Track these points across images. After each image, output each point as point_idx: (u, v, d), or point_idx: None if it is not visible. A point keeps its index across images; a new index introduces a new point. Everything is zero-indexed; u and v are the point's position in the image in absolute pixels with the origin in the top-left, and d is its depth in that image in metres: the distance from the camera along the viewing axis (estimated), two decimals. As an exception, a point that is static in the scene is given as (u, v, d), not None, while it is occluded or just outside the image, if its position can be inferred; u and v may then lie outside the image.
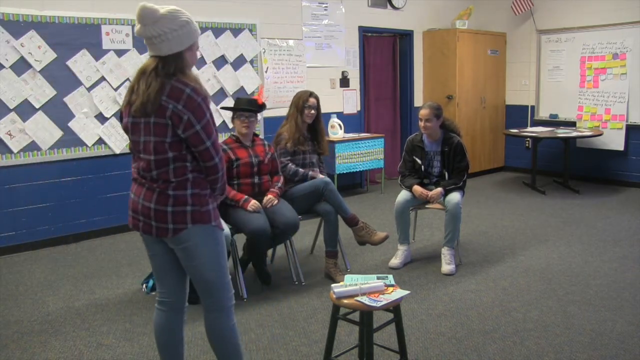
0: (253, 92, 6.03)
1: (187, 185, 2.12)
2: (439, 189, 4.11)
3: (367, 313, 2.40)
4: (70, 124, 4.92)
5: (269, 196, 3.72)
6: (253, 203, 3.60)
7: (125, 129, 2.19)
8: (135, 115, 2.10)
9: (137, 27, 2.08)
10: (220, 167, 2.16)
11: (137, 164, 2.18)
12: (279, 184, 3.85)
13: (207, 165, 2.14)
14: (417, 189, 4.12)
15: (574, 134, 6.72)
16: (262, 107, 3.75)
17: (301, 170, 4.01)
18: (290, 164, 4.00)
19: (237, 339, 2.30)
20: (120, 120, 2.24)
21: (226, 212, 3.64)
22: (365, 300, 2.38)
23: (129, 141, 2.22)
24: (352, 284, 2.50)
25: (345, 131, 6.73)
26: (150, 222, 2.14)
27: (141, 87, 2.07)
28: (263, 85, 6.11)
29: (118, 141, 5.19)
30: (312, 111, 4.05)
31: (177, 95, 2.03)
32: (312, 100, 4.05)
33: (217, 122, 5.82)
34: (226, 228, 3.47)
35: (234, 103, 3.85)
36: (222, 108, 4.83)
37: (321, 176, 4.07)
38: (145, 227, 2.17)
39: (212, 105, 5.82)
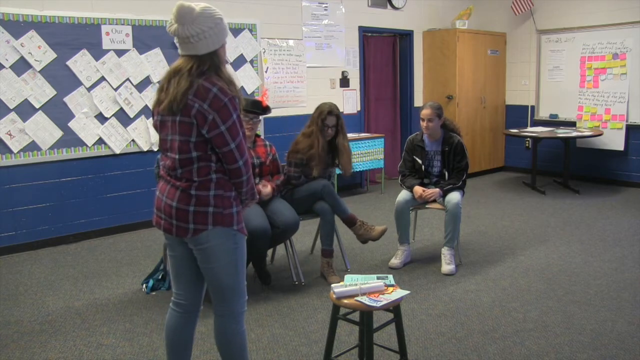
0: (253, 92, 6.03)
1: (210, 186, 2.09)
2: (437, 189, 4.10)
3: (367, 313, 2.40)
4: (70, 124, 4.92)
5: (266, 184, 3.71)
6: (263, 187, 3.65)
7: (155, 127, 2.20)
8: (163, 113, 2.10)
9: (174, 26, 2.08)
10: (244, 170, 2.11)
11: (164, 162, 2.17)
12: (279, 182, 3.86)
13: (230, 168, 2.10)
14: (418, 189, 4.12)
15: (574, 134, 6.72)
16: (266, 110, 3.73)
17: (303, 179, 3.97)
18: (302, 177, 3.95)
19: (246, 345, 2.28)
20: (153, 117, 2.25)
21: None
22: (365, 300, 2.38)
23: (158, 139, 2.23)
24: (352, 284, 2.51)
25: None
26: (172, 220, 2.12)
27: (172, 86, 2.06)
28: (267, 88, 6.10)
29: (118, 141, 5.19)
30: (330, 130, 3.90)
31: (203, 95, 2.01)
32: (330, 119, 3.88)
33: (217, 122, 5.81)
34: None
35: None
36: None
37: None
38: (167, 225, 2.15)
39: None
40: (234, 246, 2.16)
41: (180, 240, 2.18)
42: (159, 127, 2.17)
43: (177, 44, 2.13)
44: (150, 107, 5.46)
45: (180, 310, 2.30)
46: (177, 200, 2.09)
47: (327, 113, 3.89)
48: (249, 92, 5.99)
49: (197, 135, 2.05)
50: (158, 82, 5.35)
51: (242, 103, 2.13)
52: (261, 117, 3.88)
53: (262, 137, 4.44)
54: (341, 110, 6.91)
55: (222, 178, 2.12)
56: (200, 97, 2.01)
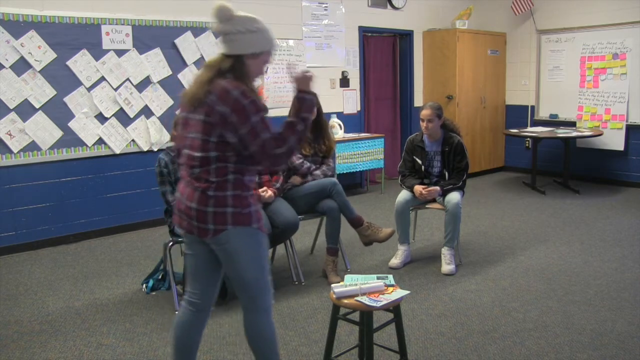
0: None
1: (227, 187, 2.10)
2: (437, 187, 4.11)
3: (367, 313, 2.40)
4: (70, 124, 4.92)
5: (266, 189, 3.72)
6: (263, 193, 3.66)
7: (175, 123, 2.22)
8: (187, 110, 2.13)
9: (214, 24, 2.14)
10: (278, 160, 2.08)
11: (184, 160, 2.18)
12: (278, 184, 3.86)
13: (262, 165, 2.14)
14: (418, 188, 4.12)
15: (574, 134, 6.72)
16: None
17: (306, 164, 3.99)
18: (305, 161, 3.98)
19: (275, 338, 2.31)
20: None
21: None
22: (365, 300, 2.38)
23: (174, 135, 2.25)
24: (352, 284, 2.51)
25: (345, 131, 6.73)
26: (192, 221, 2.13)
27: (197, 80, 2.10)
28: (263, 86, 6.11)
29: (118, 141, 5.19)
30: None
31: (223, 97, 2.02)
32: None
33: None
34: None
35: None
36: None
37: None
38: (188, 226, 2.17)
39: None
40: (255, 243, 2.18)
41: (200, 240, 2.19)
42: (182, 123, 2.18)
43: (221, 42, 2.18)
44: (151, 107, 5.48)
45: (193, 309, 2.31)
46: (197, 202, 2.10)
47: None
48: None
49: (217, 135, 2.05)
50: (159, 82, 5.36)
51: (256, 97, 2.11)
52: None
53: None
54: (341, 110, 6.96)
55: (239, 179, 2.12)
56: (222, 100, 2.02)
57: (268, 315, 2.27)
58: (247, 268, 2.18)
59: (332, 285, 2.52)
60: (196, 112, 2.08)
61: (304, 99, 2.20)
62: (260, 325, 2.26)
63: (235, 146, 2.06)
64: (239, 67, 2.11)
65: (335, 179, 3.97)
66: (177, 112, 2.27)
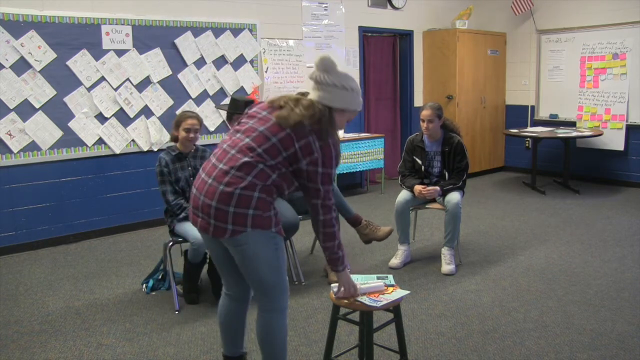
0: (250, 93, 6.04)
1: (257, 188, 2.10)
2: (436, 187, 4.11)
3: (367, 313, 2.40)
4: (70, 124, 4.92)
5: None
6: None
7: (250, 117, 2.24)
8: (280, 119, 2.13)
9: (315, 71, 2.21)
10: (320, 212, 2.23)
11: (228, 146, 2.18)
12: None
13: (310, 202, 2.23)
14: (418, 188, 4.12)
15: (574, 134, 6.72)
16: None
17: None
18: None
19: (286, 339, 2.35)
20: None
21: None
22: (365, 300, 2.38)
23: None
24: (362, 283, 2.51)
25: (345, 131, 6.73)
26: (210, 220, 2.12)
27: (296, 108, 2.13)
28: (257, 86, 6.10)
29: (118, 141, 5.19)
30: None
31: (326, 151, 2.15)
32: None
33: (218, 122, 5.83)
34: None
35: (230, 102, 3.83)
36: (219, 107, 4.82)
37: None
38: (204, 224, 2.16)
39: (210, 106, 5.79)
40: (273, 246, 2.19)
41: (216, 239, 2.20)
42: (257, 118, 2.20)
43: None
44: (151, 107, 5.47)
45: (230, 298, 2.42)
46: (217, 200, 2.09)
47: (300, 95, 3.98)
48: (248, 93, 5.99)
49: (286, 150, 2.12)
50: (156, 82, 5.35)
51: (339, 159, 2.24)
52: None
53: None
54: (341, 110, 6.94)
55: (270, 188, 2.14)
56: (320, 155, 2.14)
57: (283, 316, 2.32)
58: (265, 271, 2.19)
59: (332, 285, 2.52)
60: (290, 129, 2.12)
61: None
62: (273, 325, 2.29)
63: (296, 171, 2.17)
64: (326, 119, 2.17)
65: None
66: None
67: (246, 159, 2.10)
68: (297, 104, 2.15)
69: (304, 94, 2.25)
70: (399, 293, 2.47)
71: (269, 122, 2.15)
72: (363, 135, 6.93)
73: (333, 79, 2.17)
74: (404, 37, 7.70)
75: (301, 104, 2.15)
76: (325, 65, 2.17)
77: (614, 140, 6.97)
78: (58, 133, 4.86)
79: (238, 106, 3.73)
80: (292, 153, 2.12)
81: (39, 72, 4.70)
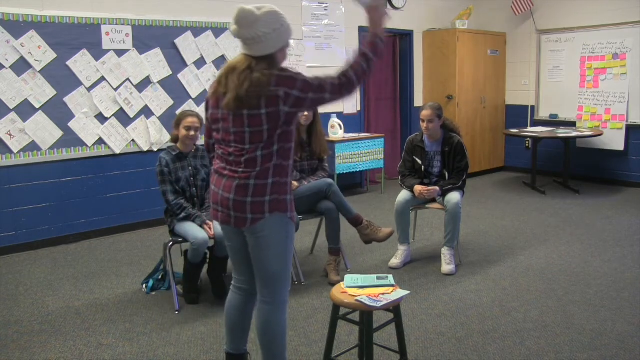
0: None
1: (269, 174, 2.15)
2: (436, 187, 4.11)
3: (367, 313, 2.40)
4: (70, 124, 4.92)
5: None
6: None
7: (214, 120, 2.24)
8: (228, 109, 2.14)
9: (233, 27, 2.14)
10: (351, 84, 2.13)
11: (223, 151, 2.22)
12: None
13: (347, 94, 2.16)
14: (418, 188, 4.12)
15: (574, 134, 6.72)
16: None
17: (296, 174, 4.01)
18: (295, 172, 3.99)
19: (286, 334, 2.36)
20: (206, 110, 2.33)
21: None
22: (365, 300, 2.38)
23: (208, 132, 2.34)
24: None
25: (345, 131, 6.73)
26: (229, 212, 2.19)
27: (232, 83, 2.12)
28: None
29: (118, 141, 5.19)
30: (306, 112, 3.98)
31: (285, 82, 2.08)
32: None
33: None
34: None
35: None
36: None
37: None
38: (225, 217, 2.23)
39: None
40: (285, 234, 2.24)
41: (237, 230, 2.26)
42: (219, 119, 2.21)
43: (241, 44, 2.20)
44: (151, 107, 5.48)
45: (241, 293, 2.44)
46: (235, 193, 2.16)
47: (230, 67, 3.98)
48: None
49: (269, 122, 2.10)
50: (156, 82, 5.36)
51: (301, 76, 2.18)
52: None
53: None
54: (341, 110, 6.95)
55: (280, 164, 2.18)
56: (285, 84, 2.08)
57: (283, 310, 2.33)
58: (273, 260, 2.24)
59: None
60: (245, 110, 2.11)
61: (377, 44, 2.20)
62: (273, 318, 2.31)
63: (291, 119, 2.13)
64: (273, 64, 2.16)
65: (330, 180, 3.97)
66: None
67: (246, 156, 2.15)
68: (234, 86, 2.12)
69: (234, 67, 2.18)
70: (399, 293, 2.47)
71: (229, 118, 2.16)
72: (363, 135, 6.93)
73: (262, 28, 2.11)
74: (404, 37, 7.70)
75: (233, 83, 2.12)
76: (248, 19, 2.10)
77: (614, 140, 6.97)
78: (58, 133, 4.86)
79: None
80: (268, 118, 2.09)
81: (39, 72, 4.70)
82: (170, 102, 5.47)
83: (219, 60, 5.76)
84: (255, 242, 2.23)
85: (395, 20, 7.41)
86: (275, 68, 2.14)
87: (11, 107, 4.61)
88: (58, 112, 4.84)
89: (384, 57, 7.61)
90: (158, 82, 5.36)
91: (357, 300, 2.39)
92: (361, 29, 7.06)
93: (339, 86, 2.12)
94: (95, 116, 5.06)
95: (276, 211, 2.18)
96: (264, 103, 2.07)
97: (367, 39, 2.21)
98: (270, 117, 2.09)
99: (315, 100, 2.13)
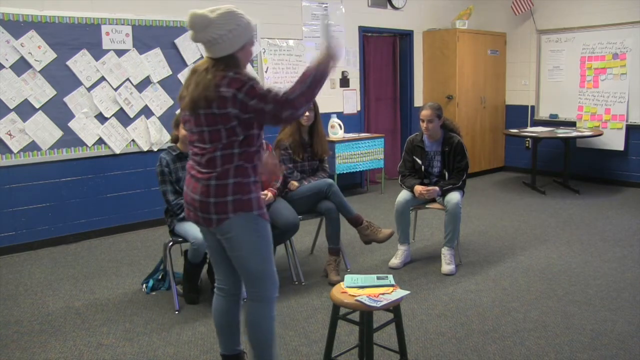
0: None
1: (229, 174, 2.16)
2: (436, 187, 4.11)
3: (367, 313, 2.40)
4: (70, 124, 4.92)
5: (266, 192, 3.73)
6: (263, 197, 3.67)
7: (184, 122, 2.28)
8: (186, 110, 2.19)
9: (190, 33, 2.16)
10: (293, 106, 2.10)
11: (192, 151, 2.26)
12: (278, 184, 3.86)
13: (283, 119, 2.14)
14: (418, 188, 4.12)
15: (574, 134, 6.72)
16: None
17: (296, 174, 4.02)
18: (295, 172, 4.00)
19: (274, 331, 2.36)
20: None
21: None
22: (365, 300, 2.38)
23: (174, 135, 2.35)
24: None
25: (345, 131, 6.73)
26: (197, 212, 2.23)
27: (192, 85, 2.16)
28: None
29: (118, 141, 5.19)
30: (307, 113, 3.97)
31: (234, 83, 2.08)
32: None
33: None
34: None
35: None
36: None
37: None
38: (194, 217, 2.27)
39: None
40: (256, 232, 2.24)
41: (209, 230, 2.29)
42: (187, 121, 2.25)
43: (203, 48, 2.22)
44: (151, 107, 5.49)
45: (222, 293, 2.45)
46: (200, 193, 2.19)
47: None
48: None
49: (223, 123, 2.11)
50: (156, 82, 5.36)
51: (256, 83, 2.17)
52: None
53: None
54: (341, 110, 6.95)
55: (242, 165, 2.19)
56: (234, 85, 2.08)
57: (270, 307, 2.32)
58: (250, 257, 2.24)
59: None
60: (201, 110, 2.14)
61: (327, 66, 2.19)
62: (259, 315, 2.30)
63: (248, 124, 2.13)
64: (233, 65, 2.16)
65: (330, 180, 3.97)
66: (178, 111, 2.33)
67: (207, 156, 2.17)
68: (191, 88, 2.15)
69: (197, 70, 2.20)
70: (399, 293, 2.47)
71: (192, 119, 2.20)
72: (363, 135, 6.93)
73: (217, 30, 2.11)
74: (404, 37, 7.70)
75: (192, 85, 2.15)
76: (201, 23, 2.10)
77: (614, 140, 6.97)
78: (58, 133, 4.86)
79: None
80: (222, 118, 2.11)
81: (39, 72, 4.70)
82: (170, 102, 5.46)
83: (219, 60, 5.75)
84: (227, 244, 2.26)
85: (395, 20, 7.42)
86: (235, 68, 2.14)
87: (11, 107, 4.61)
88: (58, 112, 4.84)
89: (384, 59, 7.62)
90: (158, 82, 5.36)
91: (357, 300, 2.39)
92: (361, 28, 7.06)
93: (281, 102, 2.08)
94: (95, 116, 5.06)
95: (240, 211, 2.18)
96: (215, 104, 2.09)
97: (310, 65, 2.17)
98: (223, 117, 2.11)
99: (257, 110, 2.09)
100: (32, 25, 4.63)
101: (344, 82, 6.97)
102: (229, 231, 2.20)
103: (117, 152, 5.20)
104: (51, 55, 4.74)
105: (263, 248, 2.27)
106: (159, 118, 5.41)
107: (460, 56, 7.48)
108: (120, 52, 5.11)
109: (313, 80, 2.12)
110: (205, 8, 2.15)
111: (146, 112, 5.32)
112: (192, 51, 5.55)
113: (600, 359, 2.79)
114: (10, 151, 4.65)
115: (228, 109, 2.09)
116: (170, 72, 5.43)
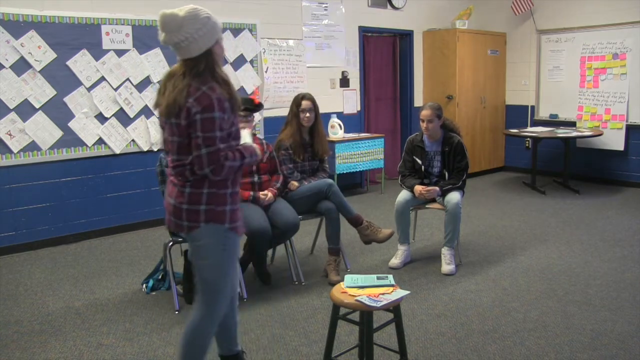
0: (252, 92, 6.03)
1: (204, 184, 2.15)
2: (436, 187, 4.11)
3: (367, 313, 2.40)
4: (70, 124, 4.92)
5: (267, 192, 3.73)
6: (264, 197, 3.69)
7: (162, 128, 2.26)
8: (162, 116, 2.17)
9: (162, 35, 2.11)
10: (212, 175, 2.11)
11: (169, 160, 2.25)
12: (278, 184, 3.86)
13: (199, 172, 2.13)
14: (418, 188, 4.12)
15: (574, 134, 6.72)
16: (258, 106, 3.74)
17: (296, 175, 4.02)
18: (296, 172, 4.00)
19: (208, 347, 2.30)
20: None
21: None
22: (365, 300, 2.38)
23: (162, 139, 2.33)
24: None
25: (345, 131, 6.73)
26: (170, 217, 2.22)
27: (168, 90, 2.12)
28: (258, 87, 6.11)
29: (118, 141, 5.19)
30: (308, 114, 4.00)
31: (203, 101, 2.05)
32: (305, 103, 4.00)
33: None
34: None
35: None
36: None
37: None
38: (168, 222, 2.25)
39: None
40: (222, 247, 2.20)
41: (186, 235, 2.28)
42: (163, 127, 2.24)
43: (174, 51, 2.16)
44: (151, 107, 5.48)
45: None
46: (175, 198, 2.19)
47: (301, 98, 4.01)
48: (249, 92, 5.99)
49: (189, 136, 2.11)
50: (158, 82, 5.35)
51: (238, 104, 2.17)
52: (255, 115, 3.89)
53: (262, 136, 4.45)
54: (341, 110, 6.95)
55: (218, 180, 2.16)
56: (200, 103, 2.05)
57: (212, 323, 2.27)
58: (211, 268, 2.22)
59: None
60: (173, 118, 2.11)
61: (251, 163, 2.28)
62: (199, 328, 2.26)
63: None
64: (209, 63, 2.13)
65: (330, 180, 3.97)
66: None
67: (178, 169, 2.16)
68: (168, 92, 2.10)
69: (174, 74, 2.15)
70: (399, 293, 2.47)
71: (166, 126, 2.17)
72: (363, 135, 6.93)
73: (188, 28, 2.06)
74: (404, 37, 7.70)
75: (169, 90, 2.11)
76: (170, 23, 2.06)
77: (614, 140, 6.97)
78: (58, 133, 4.86)
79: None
80: (187, 129, 2.08)
81: (39, 72, 4.70)
82: (170, 102, 5.46)
83: (219, 60, 5.75)
84: (193, 250, 2.26)
85: (395, 20, 7.42)
86: (211, 72, 2.11)
87: (11, 107, 4.61)
88: (58, 112, 4.83)
89: (384, 59, 7.62)
90: (158, 82, 5.36)
91: (357, 300, 2.39)
92: (361, 28, 7.06)
93: (214, 159, 2.06)
94: (95, 116, 5.05)
95: (212, 222, 2.15)
96: (183, 113, 2.06)
97: (248, 154, 2.21)
98: (188, 129, 2.08)
99: (194, 143, 2.07)
100: (32, 25, 4.63)
101: (344, 82, 6.97)
102: (198, 239, 2.19)
103: (117, 152, 5.20)
104: (51, 55, 4.74)
105: (225, 263, 2.23)
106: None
107: (460, 56, 7.48)
108: (120, 52, 5.11)
109: (241, 165, 2.17)
110: (174, 8, 2.10)
111: (146, 112, 5.32)
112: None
113: (600, 359, 2.79)
114: (10, 151, 4.65)
115: (190, 119, 2.06)
116: (170, 72, 5.42)
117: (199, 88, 2.07)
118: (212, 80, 2.11)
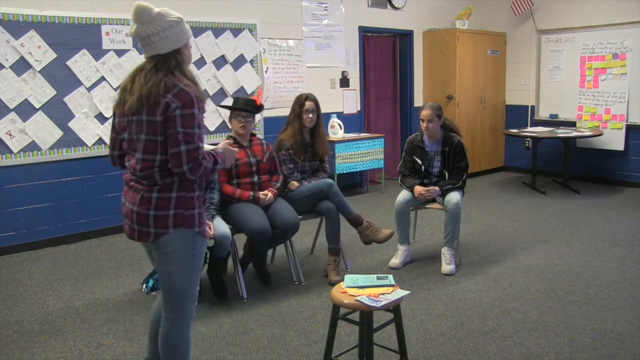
0: (253, 92, 6.03)
1: (173, 188, 2.09)
2: (436, 187, 4.11)
3: (367, 313, 2.40)
4: (70, 124, 4.92)
5: (267, 192, 3.73)
6: (264, 197, 3.69)
7: (122, 128, 2.17)
8: (130, 112, 2.09)
9: (133, 27, 2.08)
10: (188, 174, 2.06)
11: (129, 162, 2.16)
12: (278, 184, 3.86)
13: (175, 172, 2.07)
14: (418, 188, 4.12)
15: (574, 134, 6.72)
16: (259, 108, 3.74)
17: (297, 175, 4.02)
18: (296, 172, 4.00)
19: (188, 353, 2.27)
20: (113, 120, 2.24)
21: (227, 213, 3.64)
22: (365, 300, 2.38)
23: (112, 143, 2.25)
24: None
25: (345, 131, 6.73)
26: (133, 225, 2.12)
27: (136, 84, 2.06)
28: (262, 87, 6.11)
29: (118, 141, 5.19)
30: (311, 115, 4.00)
31: (183, 98, 2.02)
32: (309, 103, 4.00)
33: (217, 121, 5.82)
34: (226, 228, 3.47)
35: (232, 102, 3.85)
36: (220, 106, 4.83)
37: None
38: (129, 230, 2.16)
39: (211, 105, 5.80)
40: (192, 251, 2.16)
41: (147, 245, 2.19)
42: (125, 127, 2.14)
43: (141, 48, 2.13)
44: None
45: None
46: (138, 205, 2.09)
47: (305, 98, 4.01)
48: (248, 93, 5.99)
49: (162, 134, 2.05)
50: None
51: (203, 102, 2.12)
52: (259, 116, 3.89)
53: (262, 136, 4.44)
54: (341, 110, 6.95)
55: (186, 182, 2.11)
56: (180, 99, 2.02)
57: (187, 327, 2.24)
58: (178, 274, 2.16)
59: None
60: (144, 114, 2.05)
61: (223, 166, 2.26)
62: (175, 337, 2.22)
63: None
64: (178, 61, 2.11)
65: (330, 180, 3.98)
66: (112, 121, 2.24)
67: (146, 171, 2.08)
68: (139, 86, 2.06)
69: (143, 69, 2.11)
70: (399, 293, 2.47)
71: (133, 124, 2.10)
72: (363, 135, 6.93)
73: (161, 23, 2.05)
74: (404, 37, 7.70)
75: (139, 84, 2.06)
76: (144, 14, 2.05)
77: (614, 140, 6.97)
78: (58, 133, 4.86)
79: (237, 103, 3.74)
80: (161, 127, 2.03)
81: (39, 72, 4.70)
82: (170, 102, 5.45)
83: (219, 60, 5.76)
84: (159, 257, 2.15)
85: (395, 20, 7.42)
86: (179, 70, 2.09)
87: (11, 107, 4.61)
88: (58, 112, 4.83)
89: (384, 59, 7.62)
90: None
91: (357, 300, 2.39)
92: (361, 28, 7.06)
93: (193, 157, 2.03)
94: (95, 116, 5.06)
95: (180, 226, 2.09)
96: (159, 109, 2.02)
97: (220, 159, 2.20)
98: (161, 126, 2.03)
99: (172, 140, 2.02)
100: (32, 25, 4.63)
101: (344, 82, 6.97)
102: (166, 246, 2.11)
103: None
104: (51, 55, 4.74)
105: (194, 267, 2.19)
106: (159, 118, 5.40)
107: (460, 56, 7.48)
108: (120, 52, 5.12)
109: (213, 169, 2.15)
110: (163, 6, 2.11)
111: (146, 112, 5.32)
112: (192, 51, 5.54)
113: (600, 359, 2.79)
114: (10, 151, 4.65)
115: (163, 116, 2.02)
116: (170, 72, 5.42)
117: (175, 84, 2.03)
118: (183, 78, 2.09)
